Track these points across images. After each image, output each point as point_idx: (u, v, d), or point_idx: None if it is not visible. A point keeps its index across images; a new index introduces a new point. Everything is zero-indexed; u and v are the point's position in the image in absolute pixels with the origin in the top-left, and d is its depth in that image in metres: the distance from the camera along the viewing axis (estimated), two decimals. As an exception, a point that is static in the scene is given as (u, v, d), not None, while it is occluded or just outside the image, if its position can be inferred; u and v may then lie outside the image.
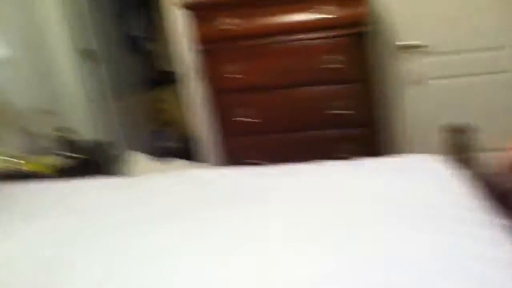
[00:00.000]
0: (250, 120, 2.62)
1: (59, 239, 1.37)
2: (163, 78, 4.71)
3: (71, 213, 1.54)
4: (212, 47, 2.60)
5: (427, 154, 1.71)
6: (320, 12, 2.43)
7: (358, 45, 2.44)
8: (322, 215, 1.32)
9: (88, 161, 2.61)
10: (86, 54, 3.46)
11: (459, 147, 1.71)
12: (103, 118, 3.54)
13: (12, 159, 2.55)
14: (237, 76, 2.58)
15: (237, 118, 2.63)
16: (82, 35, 3.42)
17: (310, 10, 2.44)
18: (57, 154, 2.63)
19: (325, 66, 2.48)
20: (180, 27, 3.14)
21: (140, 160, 2.82)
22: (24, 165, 2.39)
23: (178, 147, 4.40)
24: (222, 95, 2.65)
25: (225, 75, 2.60)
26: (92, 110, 3.49)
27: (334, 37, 2.47)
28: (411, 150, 2.61)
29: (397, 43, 2.72)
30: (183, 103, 3.34)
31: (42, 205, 1.66)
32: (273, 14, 2.52)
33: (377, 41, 2.69)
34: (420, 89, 2.76)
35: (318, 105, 2.54)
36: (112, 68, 3.77)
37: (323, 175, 1.65)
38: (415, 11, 2.64)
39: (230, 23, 2.54)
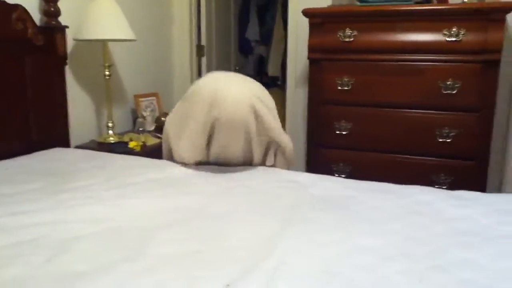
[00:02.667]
0: (346, 133, 2.56)
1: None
2: (267, 82, 4.81)
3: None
4: (326, 57, 2.58)
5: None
6: (450, 35, 2.30)
7: (485, 73, 2.27)
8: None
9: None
10: (198, 49, 3.62)
11: None
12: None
13: (121, 135, 2.74)
14: (346, 88, 2.53)
15: (336, 131, 2.58)
16: (197, 32, 3.59)
17: (440, 31, 2.32)
18: (156, 137, 2.75)
19: (442, 91, 2.34)
20: (297, 35, 3.18)
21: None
22: (129, 143, 2.53)
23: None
24: (325, 106, 2.61)
25: (332, 87, 2.56)
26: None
27: (459, 61, 2.32)
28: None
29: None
30: (283, 108, 3.35)
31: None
32: (396, 30, 2.44)
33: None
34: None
35: (425, 129, 2.40)
36: (218, 65, 3.89)
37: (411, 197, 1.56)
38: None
39: (349, 35, 2.50)
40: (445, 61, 2.34)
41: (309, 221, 1.34)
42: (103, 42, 2.55)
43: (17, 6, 2.14)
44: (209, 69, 3.70)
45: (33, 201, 1.47)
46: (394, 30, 2.43)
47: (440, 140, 2.38)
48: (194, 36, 3.60)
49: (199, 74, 3.66)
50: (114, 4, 2.49)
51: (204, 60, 3.65)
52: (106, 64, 2.57)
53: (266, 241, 1.20)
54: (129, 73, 3.11)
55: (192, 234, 1.25)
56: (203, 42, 3.62)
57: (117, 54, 2.94)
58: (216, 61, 3.83)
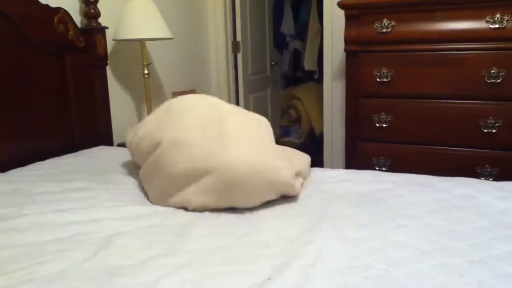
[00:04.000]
0: (386, 126, 2.51)
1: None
2: (302, 76, 4.78)
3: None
4: (363, 49, 2.53)
5: None
6: (493, 22, 2.21)
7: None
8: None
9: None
10: (234, 46, 3.64)
11: None
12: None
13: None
14: (385, 80, 2.48)
15: (376, 124, 2.53)
16: (233, 28, 3.61)
17: (482, 19, 2.24)
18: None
19: (486, 79, 2.26)
20: (332, 28, 3.15)
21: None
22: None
23: (304, 144, 4.44)
24: (364, 98, 2.57)
25: (371, 79, 2.51)
26: (230, 97, 3.68)
27: (504, 49, 2.23)
28: None
29: None
30: (319, 102, 3.33)
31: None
32: (435, 20, 2.36)
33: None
34: None
35: (469, 120, 2.32)
36: (254, 61, 3.90)
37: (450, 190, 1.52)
38: None
39: (386, 26, 2.44)
40: (489, 49, 2.25)
41: (344, 217, 1.32)
42: (141, 41, 2.61)
43: (59, 9, 2.21)
44: (245, 65, 3.72)
45: (77, 199, 1.52)
46: (434, 19, 2.36)
47: (485, 130, 2.29)
48: (230, 32, 3.62)
49: (236, 70, 3.68)
50: (151, 3, 2.54)
51: (239, 56, 3.66)
52: (145, 63, 2.63)
53: (301, 237, 1.19)
54: (167, 70, 3.16)
55: (226, 230, 1.26)
56: (239, 38, 3.63)
57: (155, 52, 3.00)
58: (251, 56, 3.84)
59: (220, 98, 1.76)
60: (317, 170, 1.84)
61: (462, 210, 1.34)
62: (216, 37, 3.65)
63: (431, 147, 2.45)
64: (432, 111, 2.41)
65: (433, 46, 2.37)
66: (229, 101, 3.61)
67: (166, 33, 2.57)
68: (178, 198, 1.45)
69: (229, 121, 1.51)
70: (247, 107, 3.73)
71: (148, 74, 2.65)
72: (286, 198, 1.50)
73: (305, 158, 1.75)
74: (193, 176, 1.41)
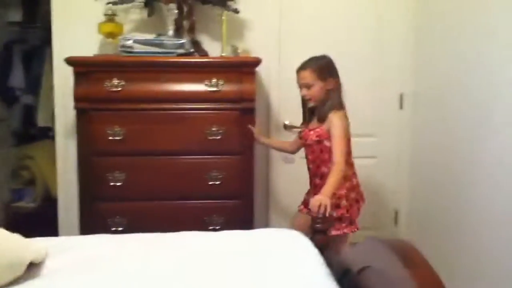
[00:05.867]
0: (120, 184, 2.49)
1: None
2: (36, 133, 4.40)
3: None
4: (93, 107, 2.48)
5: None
6: (210, 85, 2.47)
7: (243, 119, 2.50)
8: None
9: None
10: None
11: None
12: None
13: None
14: (117, 138, 2.47)
15: (110, 183, 2.48)
16: None
17: (202, 82, 2.48)
18: None
19: (208, 137, 2.48)
20: (64, 82, 3.00)
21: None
22: None
23: (38, 208, 4.03)
24: (96, 157, 2.50)
25: (104, 137, 2.47)
26: None
27: (221, 109, 2.51)
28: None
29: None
30: (52, 161, 3.09)
31: None
32: (163, 81, 2.51)
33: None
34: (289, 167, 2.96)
35: (197, 174, 2.50)
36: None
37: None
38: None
39: (116, 84, 2.46)
40: (209, 109, 2.51)
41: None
42: None
43: None
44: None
45: None
46: (160, 80, 2.51)
47: (210, 183, 2.50)
48: None
49: None
50: None
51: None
52: None
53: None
54: None
55: None
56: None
57: None
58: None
59: None
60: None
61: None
62: None
63: (165, 201, 2.54)
64: (164, 166, 2.52)
65: (161, 105, 2.51)
66: None
67: None
68: None
69: None
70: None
71: None
72: None
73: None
74: None
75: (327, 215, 1.86)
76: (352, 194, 2.28)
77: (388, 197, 3.18)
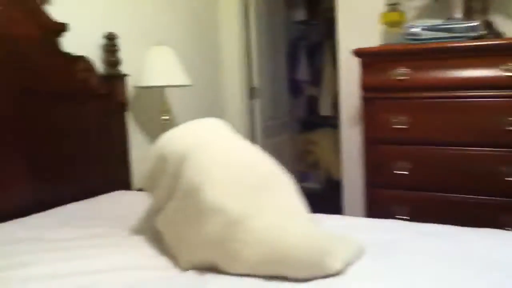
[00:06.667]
0: (405, 173, 2.48)
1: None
2: (319, 122, 4.81)
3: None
4: (379, 96, 2.55)
5: None
6: (507, 70, 2.22)
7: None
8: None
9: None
10: (251, 91, 3.70)
11: None
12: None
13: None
14: (402, 127, 2.47)
15: (394, 171, 2.51)
16: (249, 74, 3.67)
17: (496, 67, 2.25)
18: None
19: (506, 127, 2.23)
20: (348, 73, 3.18)
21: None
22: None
23: (322, 189, 4.40)
24: (381, 145, 2.55)
25: (388, 125, 2.51)
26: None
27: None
28: None
29: None
30: (336, 147, 3.32)
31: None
32: (451, 67, 2.38)
33: None
34: None
35: (490, 168, 2.29)
36: (271, 107, 3.94)
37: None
38: None
39: (401, 73, 2.46)
40: (505, 96, 2.25)
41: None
42: (161, 88, 2.66)
43: (81, 58, 2.28)
44: (262, 110, 3.76)
45: (95, 246, 1.51)
46: (448, 66, 2.37)
47: (507, 179, 2.25)
48: (246, 79, 3.68)
49: (252, 115, 3.71)
50: (170, 52, 2.61)
51: (256, 102, 3.71)
52: (164, 109, 2.67)
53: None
54: (185, 116, 3.20)
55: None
56: (256, 84, 3.69)
57: (174, 98, 3.05)
58: (268, 102, 3.88)
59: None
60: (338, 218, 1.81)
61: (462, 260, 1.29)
62: (233, 84, 3.71)
63: (451, 195, 2.40)
64: (452, 158, 2.38)
65: (449, 93, 2.37)
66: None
67: (184, 80, 2.62)
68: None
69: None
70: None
71: (167, 119, 2.69)
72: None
73: None
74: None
75: None
76: None
77: None
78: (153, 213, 1.58)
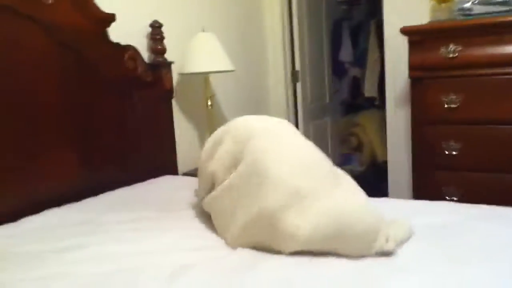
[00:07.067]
0: (455, 153, 2.40)
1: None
2: (363, 103, 4.73)
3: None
4: (428, 75, 2.46)
5: None
6: None
7: None
8: None
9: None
10: (293, 75, 3.67)
11: None
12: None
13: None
14: (452, 106, 2.39)
15: (444, 151, 2.43)
16: (291, 57, 3.64)
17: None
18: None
19: None
20: (394, 53, 3.10)
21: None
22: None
23: (365, 171, 4.34)
24: (430, 125, 2.48)
25: (437, 105, 2.43)
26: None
27: None
28: None
29: None
30: (381, 129, 3.26)
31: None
32: (506, 43, 2.26)
33: None
34: None
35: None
36: (313, 89, 3.90)
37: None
38: None
39: (452, 50, 2.37)
40: None
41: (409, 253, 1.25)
42: (205, 74, 2.69)
43: (129, 47, 2.33)
44: (304, 94, 3.72)
45: (143, 228, 1.55)
46: (502, 42, 2.26)
47: None
48: (289, 63, 3.65)
49: (295, 99, 3.69)
50: (214, 38, 2.62)
51: (299, 85, 3.68)
52: (208, 95, 2.70)
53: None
54: (229, 101, 3.23)
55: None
56: (298, 67, 3.65)
57: (218, 84, 3.07)
58: (310, 85, 3.84)
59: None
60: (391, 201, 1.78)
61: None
62: (275, 68, 3.70)
63: (505, 174, 2.31)
64: (506, 137, 2.28)
65: (503, 70, 2.26)
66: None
67: (228, 66, 2.63)
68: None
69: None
70: (306, 135, 3.70)
71: (211, 105, 2.72)
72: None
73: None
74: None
75: None
76: None
77: None
78: (203, 194, 1.62)
